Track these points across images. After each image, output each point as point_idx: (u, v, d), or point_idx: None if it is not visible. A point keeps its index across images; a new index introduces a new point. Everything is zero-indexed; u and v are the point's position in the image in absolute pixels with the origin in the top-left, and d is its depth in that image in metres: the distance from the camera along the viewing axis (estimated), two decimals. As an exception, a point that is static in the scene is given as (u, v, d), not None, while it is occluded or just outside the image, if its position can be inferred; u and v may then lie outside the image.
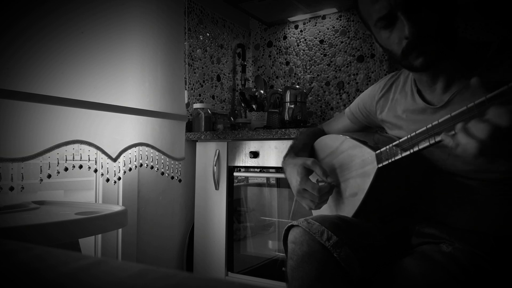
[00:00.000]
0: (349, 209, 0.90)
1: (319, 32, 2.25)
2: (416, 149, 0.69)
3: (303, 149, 1.07)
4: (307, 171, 0.94)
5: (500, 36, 1.77)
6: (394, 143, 0.75)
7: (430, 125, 0.64)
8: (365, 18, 0.85)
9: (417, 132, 0.68)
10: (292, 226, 0.84)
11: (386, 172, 0.81)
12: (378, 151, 0.81)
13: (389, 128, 0.99)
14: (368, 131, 1.13)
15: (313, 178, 0.97)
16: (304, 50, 2.30)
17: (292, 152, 1.06)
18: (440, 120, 0.61)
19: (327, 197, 0.93)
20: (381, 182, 0.83)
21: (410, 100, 0.90)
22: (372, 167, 0.83)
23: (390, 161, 0.77)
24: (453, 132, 0.58)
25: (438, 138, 0.62)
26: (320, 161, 1.05)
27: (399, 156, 0.74)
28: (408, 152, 0.71)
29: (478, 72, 0.77)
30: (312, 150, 1.10)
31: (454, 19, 0.79)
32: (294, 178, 0.95)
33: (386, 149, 0.78)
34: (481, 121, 0.52)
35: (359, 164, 0.88)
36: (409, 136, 0.70)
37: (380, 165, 0.80)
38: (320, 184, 0.92)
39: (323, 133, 1.17)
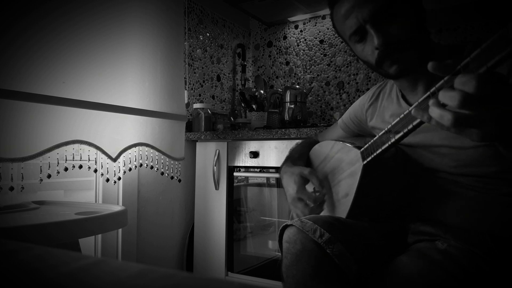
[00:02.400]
0: (342, 210, 0.91)
1: (319, 32, 2.25)
2: (393, 140, 0.71)
3: (299, 158, 1.11)
4: (304, 180, 0.97)
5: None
6: (374, 138, 0.78)
7: (402, 115, 0.67)
8: (342, 35, 0.91)
9: (392, 123, 0.70)
10: (286, 226, 0.85)
11: (373, 170, 0.84)
12: (362, 148, 0.84)
13: (378, 133, 1.02)
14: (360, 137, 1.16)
15: (309, 187, 0.98)
16: (304, 50, 2.30)
17: (289, 161, 1.09)
18: (410, 108, 0.63)
19: (319, 212, 0.95)
20: (369, 178, 0.84)
21: (396, 105, 0.94)
22: (358, 165, 0.85)
23: (373, 156, 0.79)
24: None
25: (410, 126, 0.64)
26: (315, 169, 1.08)
27: (379, 150, 0.76)
28: (387, 144, 0.73)
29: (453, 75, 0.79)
30: (308, 160, 1.13)
31: (424, 25, 0.84)
32: (290, 187, 0.98)
33: (369, 145, 0.81)
34: (450, 90, 0.52)
35: (348, 165, 0.90)
36: (386, 129, 0.73)
37: (365, 161, 0.82)
38: (316, 194, 0.94)
39: (317, 143, 1.19)
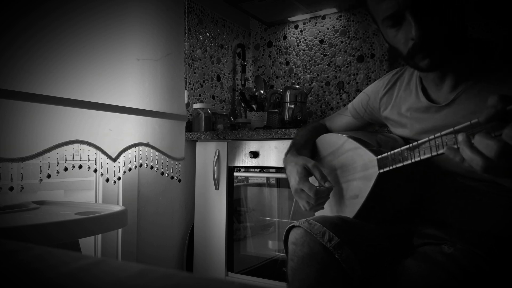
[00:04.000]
0: (350, 211, 0.90)
1: (319, 32, 2.25)
2: (418, 159, 0.69)
3: (305, 145, 1.07)
4: (307, 172, 0.93)
5: (501, 36, 1.77)
6: (395, 150, 0.75)
7: (432, 137, 0.64)
8: (373, 14, 0.84)
9: (419, 142, 0.68)
10: (293, 227, 0.83)
11: (388, 177, 0.81)
12: (380, 156, 0.81)
13: (392, 125, 0.98)
14: (371, 129, 1.13)
15: (313, 179, 0.96)
16: (304, 50, 2.30)
17: (293, 149, 1.05)
18: (442, 133, 0.61)
19: (324, 202, 0.93)
20: (382, 186, 0.83)
21: (414, 98, 0.89)
22: (373, 172, 0.83)
23: (391, 168, 0.77)
24: (456, 146, 0.57)
25: (440, 151, 0.62)
26: (321, 159, 1.05)
27: (400, 164, 0.74)
28: (409, 161, 0.72)
29: (486, 72, 0.77)
30: (314, 147, 1.09)
31: (464, 20, 0.78)
32: (293, 177, 0.95)
33: (388, 155, 0.78)
34: (490, 138, 0.50)
35: (361, 167, 0.88)
36: (411, 145, 0.71)
37: (381, 170, 0.80)
38: (318, 187, 0.92)
39: (325, 128, 1.16)
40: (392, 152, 0.76)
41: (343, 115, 1.15)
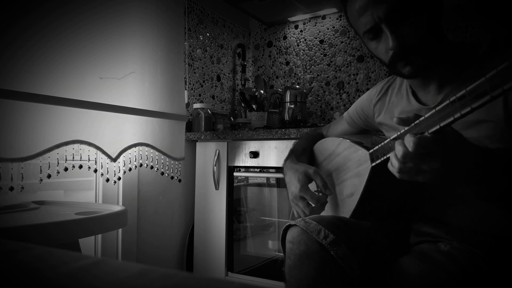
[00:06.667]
0: (346, 210, 0.91)
1: (319, 32, 2.25)
2: None
3: (303, 153, 1.09)
4: (308, 179, 0.95)
5: (501, 36, 1.77)
6: (385, 141, 0.77)
7: (417, 121, 0.65)
8: (356, 29, 0.89)
9: (406, 129, 0.68)
10: (290, 226, 0.84)
11: (381, 171, 0.82)
12: (372, 150, 0.82)
13: (386, 130, 1.01)
14: (366, 134, 1.14)
15: (311, 186, 0.97)
16: (304, 50, 2.30)
17: (293, 155, 1.07)
18: (426, 115, 0.62)
19: (322, 210, 0.94)
20: (377, 181, 0.84)
21: (406, 102, 0.92)
22: (366, 166, 0.84)
23: (382, 159, 0.78)
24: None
25: (426, 133, 0.63)
26: (318, 165, 1.07)
27: (390, 154, 0.74)
28: None
29: (470, 72, 0.78)
30: (312, 154, 1.11)
31: (440, 24, 0.82)
32: (293, 185, 0.96)
33: (379, 147, 0.79)
34: (412, 136, 0.60)
35: (355, 165, 0.89)
36: (399, 133, 0.71)
37: (374, 163, 0.81)
38: (320, 194, 0.93)
39: (322, 137, 1.18)
40: (383, 143, 0.78)
41: (339, 123, 1.19)
